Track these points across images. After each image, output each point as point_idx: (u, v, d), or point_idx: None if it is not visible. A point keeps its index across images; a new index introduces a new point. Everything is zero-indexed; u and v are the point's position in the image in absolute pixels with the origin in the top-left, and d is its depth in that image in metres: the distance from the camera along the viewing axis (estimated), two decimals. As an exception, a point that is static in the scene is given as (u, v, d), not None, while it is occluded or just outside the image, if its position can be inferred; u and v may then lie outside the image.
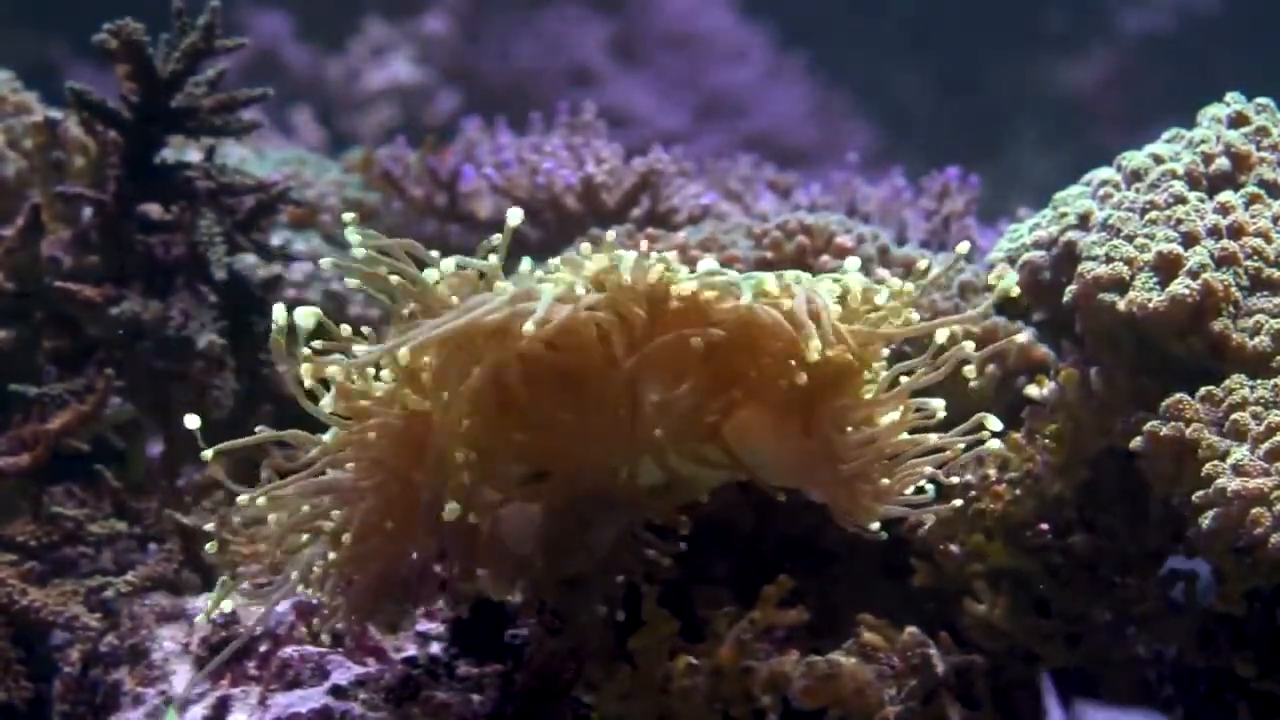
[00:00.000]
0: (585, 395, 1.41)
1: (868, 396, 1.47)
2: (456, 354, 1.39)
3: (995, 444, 1.48)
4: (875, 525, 1.48)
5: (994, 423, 1.47)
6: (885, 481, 1.47)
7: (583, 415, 1.42)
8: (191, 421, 1.45)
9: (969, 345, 1.46)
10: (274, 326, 1.40)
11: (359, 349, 1.42)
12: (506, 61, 4.80)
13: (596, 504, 1.49)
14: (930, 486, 1.51)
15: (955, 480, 1.56)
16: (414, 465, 1.43)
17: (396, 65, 4.60)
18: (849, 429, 1.46)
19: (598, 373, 1.40)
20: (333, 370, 1.41)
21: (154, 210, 1.94)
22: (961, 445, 1.47)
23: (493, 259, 1.41)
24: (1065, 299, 1.59)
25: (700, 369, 1.40)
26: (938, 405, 1.48)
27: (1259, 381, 1.45)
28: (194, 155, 1.97)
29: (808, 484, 1.49)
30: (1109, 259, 1.54)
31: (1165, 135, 1.68)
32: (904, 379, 1.48)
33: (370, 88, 4.56)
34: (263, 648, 1.62)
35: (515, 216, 1.39)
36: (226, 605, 1.69)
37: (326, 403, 1.44)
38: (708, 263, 1.48)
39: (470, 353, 1.38)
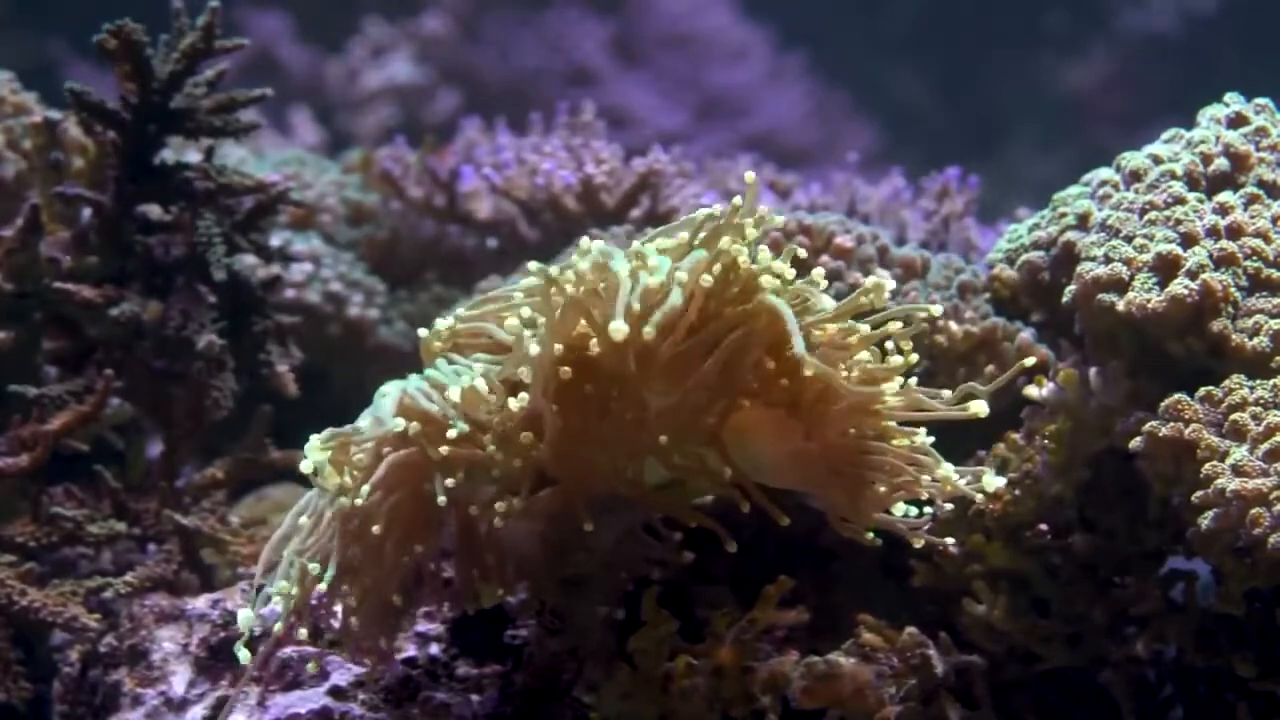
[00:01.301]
0: (592, 399, 1.41)
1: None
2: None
3: (994, 483, 1.50)
4: (870, 534, 1.49)
5: (992, 479, 1.49)
6: (883, 489, 1.47)
7: (588, 420, 1.42)
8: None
9: (979, 406, 1.47)
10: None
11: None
12: (506, 61, 4.80)
13: (598, 505, 1.49)
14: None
15: (950, 507, 1.56)
16: (424, 478, 1.43)
17: (395, 65, 4.59)
18: (851, 434, 1.47)
19: (607, 376, 1.40)
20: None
21: (153, 211, 1.94)
22: (957, 480, 1.48)
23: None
24: (1065, 299, 1.59)
25: (706, 371, 1.40)
26: (948, 470, 1.48)
27: (1258, 382, 1.45)
28: (193, 156, 1.97)
29: (806, 487, 1.49)
30: (1108, 259, 1.54)
31: (1164, 135, 1.68)
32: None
33: (369, 87, 4.56)
34: (262, 648, 1.62)
35: None
36: (228, 604, 1.70)
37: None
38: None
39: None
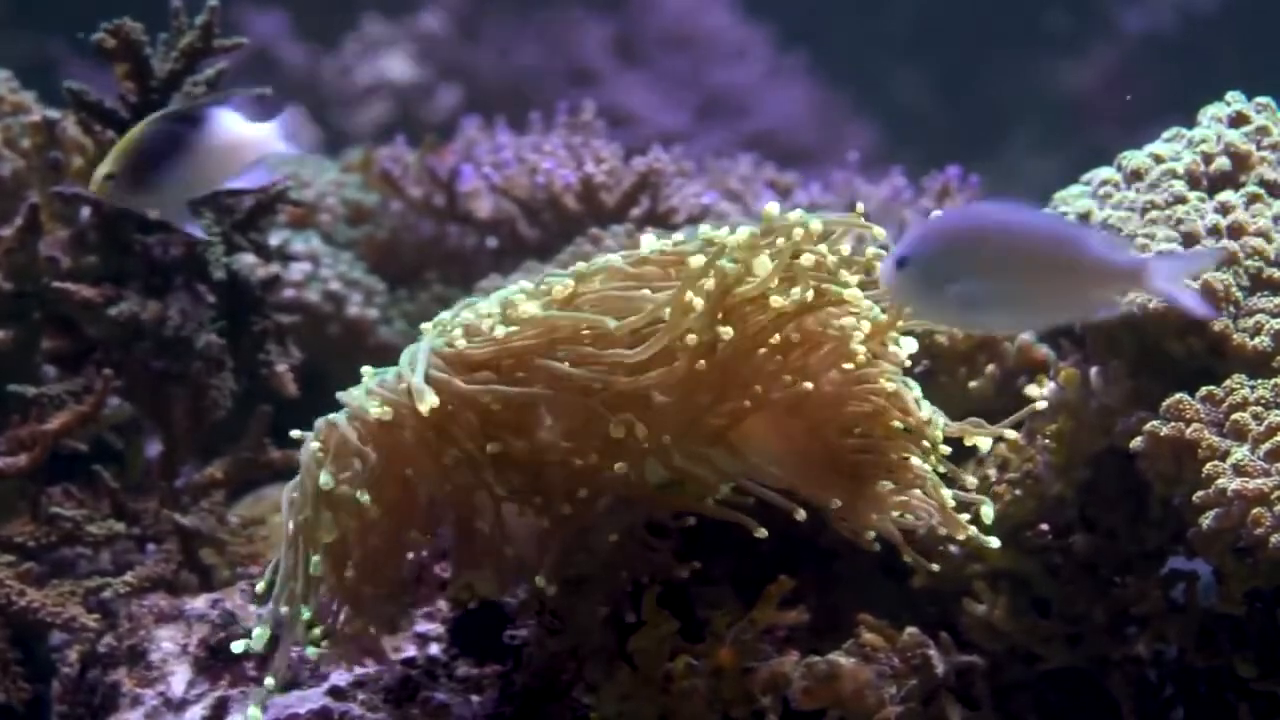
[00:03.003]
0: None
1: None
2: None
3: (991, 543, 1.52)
4: (871, 535, 1.48)
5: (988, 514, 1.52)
6: (884, 490, 1.47)
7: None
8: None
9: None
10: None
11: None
12: (506, 60, 4.79)
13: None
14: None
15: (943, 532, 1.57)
16: (408, 462, 1.42)
17: (394, 63, 4.59)
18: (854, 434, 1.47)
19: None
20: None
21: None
22: (952, 506, 1.49)
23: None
24: (1065, 299, 1.59)
25: (711, 372, 1.40)
26: (946, 496, 1.49)
27: (1259, 381, 1.45)
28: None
29: (808, 486, 1.49)
30: (1109, 259, 1.54)
31: (1165, 135, 1.68)
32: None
33: (367, 86, 4.56)
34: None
35: None
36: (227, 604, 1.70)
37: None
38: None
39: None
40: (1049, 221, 1.25)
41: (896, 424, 1.47)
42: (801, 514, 1.43)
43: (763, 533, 1.43)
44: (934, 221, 1.23)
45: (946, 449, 1.51)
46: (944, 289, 1.20)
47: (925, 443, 1.48)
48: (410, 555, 1.51)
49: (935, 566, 1.58)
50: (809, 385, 1.41)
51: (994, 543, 1.51)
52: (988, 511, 1.51)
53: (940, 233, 1.21)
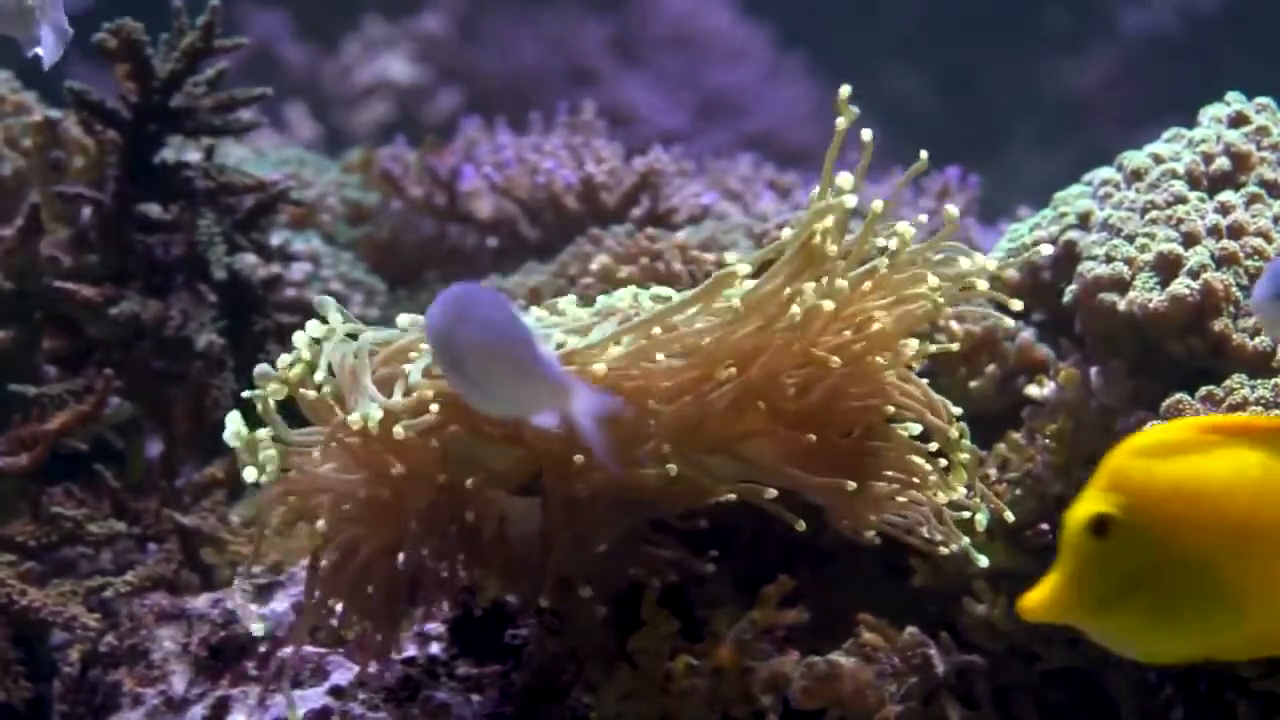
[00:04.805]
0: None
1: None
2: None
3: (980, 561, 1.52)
4: (871, 533, 1.49)
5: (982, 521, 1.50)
6: (884, 489, 1.47)
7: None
8: None
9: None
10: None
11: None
12: (506, 60, 4.80)
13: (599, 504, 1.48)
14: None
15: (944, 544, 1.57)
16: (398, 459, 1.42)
17: (394, 64, 4.59)
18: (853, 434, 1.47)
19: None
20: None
21: (153, 210, 1.94)
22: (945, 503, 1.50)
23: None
24: (1066, 299, 1.59)
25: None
26: (943, 497, 1.49)
27: (1259, 381, 1.45)
28: (194, 155, 1.97)
29: (808, 486, 1.49)
30: (1109, 259, 1.54)
31: (1165, 135, 1.68)
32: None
33: (367, 86, 4.56)
34: (262, 648, 1.61)
35: None
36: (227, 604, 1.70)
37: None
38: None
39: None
40: (504, 321, 1.23)
41: (898, 423, 1.47)
42: (801, 525, 1.44)
43: (772, 493, 1.42)
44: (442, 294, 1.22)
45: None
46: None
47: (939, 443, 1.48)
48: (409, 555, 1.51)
49: (942, 553, 1.58)
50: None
51: (983, 561, 1.50)
52: (981, 519, 1.51)
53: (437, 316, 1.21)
